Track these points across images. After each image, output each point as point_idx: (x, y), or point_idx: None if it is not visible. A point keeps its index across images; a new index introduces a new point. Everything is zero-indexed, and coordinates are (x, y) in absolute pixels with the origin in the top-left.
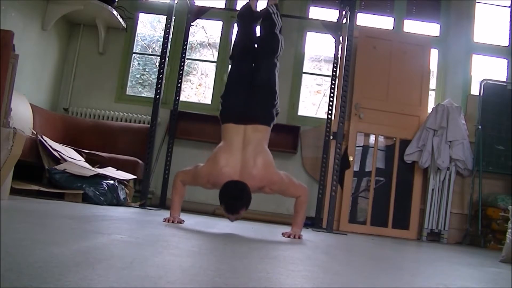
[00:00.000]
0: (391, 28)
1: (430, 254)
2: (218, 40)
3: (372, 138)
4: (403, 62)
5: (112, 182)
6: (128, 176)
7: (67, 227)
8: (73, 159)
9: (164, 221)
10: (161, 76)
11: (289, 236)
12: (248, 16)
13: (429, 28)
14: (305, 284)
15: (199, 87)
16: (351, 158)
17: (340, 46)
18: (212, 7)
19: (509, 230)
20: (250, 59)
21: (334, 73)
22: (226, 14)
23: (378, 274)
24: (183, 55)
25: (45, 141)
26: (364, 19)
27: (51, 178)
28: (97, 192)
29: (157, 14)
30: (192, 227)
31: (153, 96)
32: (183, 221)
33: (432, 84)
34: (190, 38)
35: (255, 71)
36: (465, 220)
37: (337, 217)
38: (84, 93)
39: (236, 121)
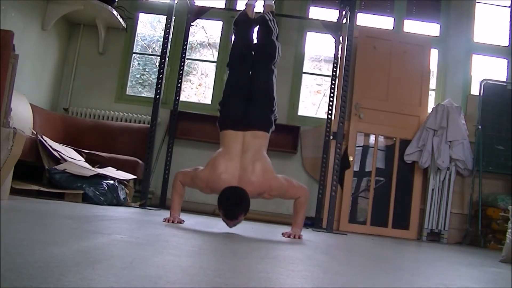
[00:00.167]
0: (391, 28)
1: (430, 254)
2: (218, 40)
3: (372, 138)
4: (403, 62)
5: (112, 182)
6: (128, 176)
7: (67, 227)
8: (73, 159)
9: (164, 221)
10: (161, 76)
11: (289, 236)
12: (245, 23)
13: (429, 28)
14: (305, 284)
15: (199, 87)
16: (351, 158)
17: (340, 46)
18: (212, 7)
19: (509, 230)
20: (247, 66)
21: (334, 73)
22: (226, 14)
23: (378, 274)
24: (183, 55)
25: (45, 141)
26: (364, 19)
27: (51, 178)
28: (97, 192)
29: (157, 14)
30: (192, 227)
31: (153, 96)
32: (183, 221)
33: (432, 84)
34: (190, 38)
35: (253, 78)
36: (465, 220)
37: (337, 217)
38: (84, 93)
39: (235, 128)
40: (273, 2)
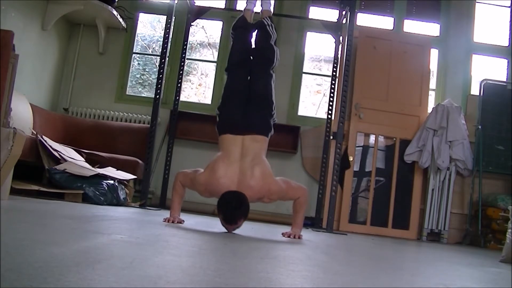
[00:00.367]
0: (391, 28)
1: (430, 254)
2: (218, 40)
3: (372, 138)
4: (403, 62)
5: (112, 182)
6: (128, 176)
7: (67, 227)
8: (73, 159)
9: (164, 221)
10: (161, 76)
11: (289, 236)
12: (243, 28)
13: (429, 28)
14: (305, 284)
15: (199, 87)
16: (351, 158)
17: (340, 46)
18: (212, 7)
19: (509, 230)
20: (246, 71)
21: (334, 73)
22: (226, 14)
23: (378, 274)
24: (183, 55)
25: (45, 141)
26: (364, 19)
27: (51, 178)
28: (97, 192)
29: (157, 14)
30: (192, 227)
31: (153, 96)
32: (183, 221)
33: (432, 84)
34: (190, 38)
35: (252, 82)
36: (465, 220)
37: (337, 217)
38: (84, 93)
39: (234, 132)
40: (271, 7)
